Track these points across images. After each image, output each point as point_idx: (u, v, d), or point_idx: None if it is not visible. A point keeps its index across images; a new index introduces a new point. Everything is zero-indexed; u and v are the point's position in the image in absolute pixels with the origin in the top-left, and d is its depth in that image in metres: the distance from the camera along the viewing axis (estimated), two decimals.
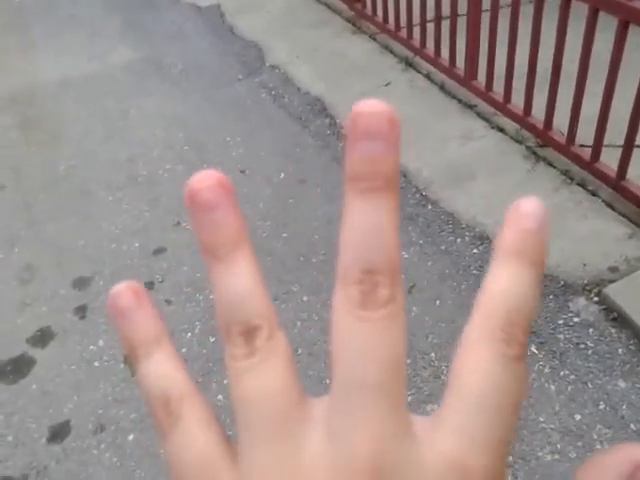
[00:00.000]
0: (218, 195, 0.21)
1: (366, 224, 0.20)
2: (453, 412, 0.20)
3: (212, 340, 2.24)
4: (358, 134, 0.19)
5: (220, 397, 1.97)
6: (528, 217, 0.21)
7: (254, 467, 0.21)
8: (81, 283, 2.55)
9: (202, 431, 0.22)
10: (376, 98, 0.20)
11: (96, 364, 2.21)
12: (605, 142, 2.50)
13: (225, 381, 2.13)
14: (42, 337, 2.34)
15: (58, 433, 2.02)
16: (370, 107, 0.19)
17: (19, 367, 2.25)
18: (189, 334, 2.27)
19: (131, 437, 1.97)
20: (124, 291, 0.23)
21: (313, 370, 2.04)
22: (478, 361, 0.20)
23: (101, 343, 2.28)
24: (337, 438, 0.20)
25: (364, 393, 0.20)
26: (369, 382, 0.20)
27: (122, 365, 2.19)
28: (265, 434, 0.20)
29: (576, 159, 2.65)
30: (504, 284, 0.21)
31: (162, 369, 0.23)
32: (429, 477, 0.20)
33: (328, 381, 0.20)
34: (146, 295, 0.24)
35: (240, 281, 0.21)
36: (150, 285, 2.50)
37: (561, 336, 2.08)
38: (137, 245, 2.70)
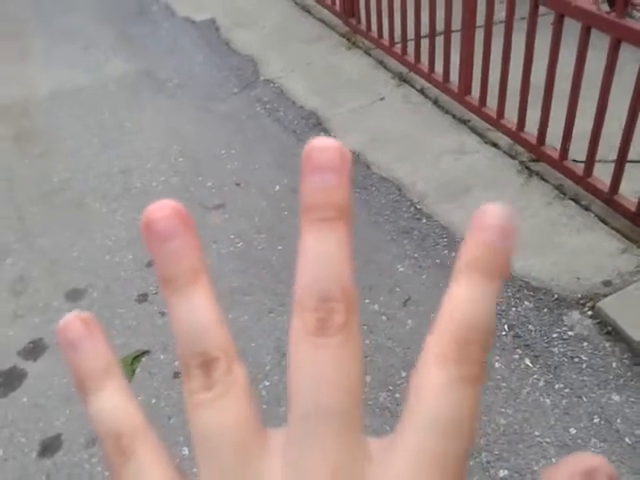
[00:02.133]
0: (175, 225, 0.21)
1: (320, 253, 0.20)
2: (407, 434, 0.20)
3: None
4: (311, 167, 0.20)
5: None
6: (489, 229, 0.20)
7: None
8: (74, 295, 2.53)
9: (156, 468, 0.22)
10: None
11: None
12: (597, 157, 2.53)
13: None
14: (34, 349, 2.32)
15: (49, 447, 1.99)
16: (322, 143, 0.20)
17: (10, 380, 2.22)
18: None
19: None
20: (73, 321, 0.23)
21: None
22: (431, 383, 0.20)
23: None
24: (295, 469, 0.20)
25: (320, 421, 0.20)
26: (324, 409, 0.20)
27: None
28: (224, 468, 0.20)
29: (569, 174, 2.67)
30: (459, 301, 0.20)
31: (113, 403, 0.22)
32: None
33: None
34: (98, 325, 0.23)
35: (198, 313, 0.21)
36: (144, 297, 2.48)
37: (555, 350, 2.08)
38: (131, 257, 2.68)
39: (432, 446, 0.20)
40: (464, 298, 0.20)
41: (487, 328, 0.20)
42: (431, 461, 0.20)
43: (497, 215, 0.20)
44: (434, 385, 0.20)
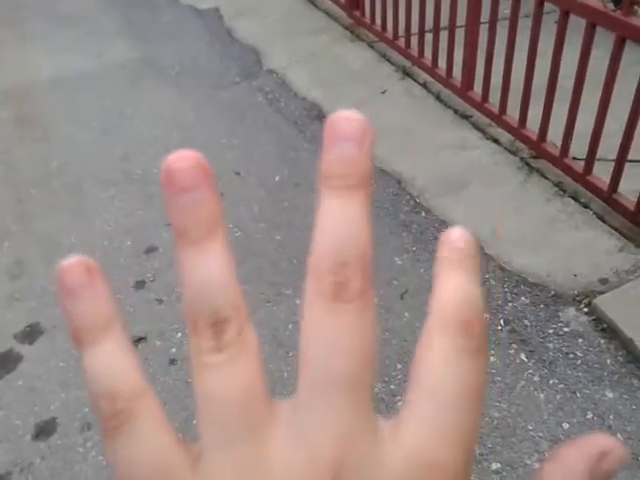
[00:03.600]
0: (196, 177, 0.20)
1: (340, 218, 0.20)
2: (414, 407, 0.20)
3: None
4: (335, 137, 0.20)
5: None
6: (457, 240, 0.22)
7: (217, 468, 0.20)
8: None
9: (156, 433, 0.20)
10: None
11: None
12: (598, 156, 2.53)
13: None
14: (30, 333, 2.32)
15: (44, 430, 1.99)
16: (346, 115, 0.20)
17: (6, 363, 2.22)
18: (179, 334, 2.26)
19: None
20: (74, 266, 0.21)
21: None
22: (436, 354, 0.20)
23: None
24: (301, 438, 0.20)
25: (332, 388, 0.20)
26: (337, 377, 0.19)
27: None
28: (230, 434, 0.20)
29: (569, 171, 2.68)
30: (453, 289, 0.21)
31: (110, 360, 0.20)
32: (393, 475, 0.20)
33: None
34: (100, 273, 0.21)
35: (213, 268, 0.20)
36: (141, 284, 2.48)
37: (550, 345, 2.09)
38: (129, 243, 2.68)
39: (441, 416, 0.20)
40: (455, 286, 0.21)
41: (480, 307, 0.21)
42: (440, 432, 0.20)
43: (459, 232, 0.22)
44: (439, 356, 0.20)
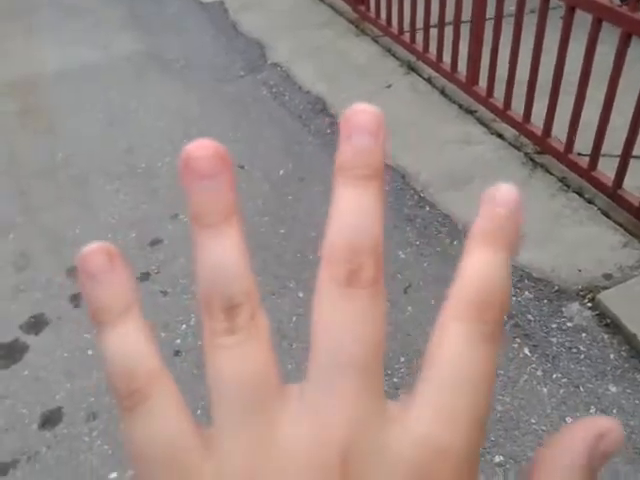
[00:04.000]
0: (215, 165, 0.20)
1: (355, 207, 0.20)
2: (425, 391, 0.20)
3: None
4: (351, 129, 0.21)
5: None
6: (499, 202, 0.21)
7: (228, 450, 0.20)
8: (76, 272, 2.53)
9: (173, 414, 0.21)
10: (370, 102, 0.21)
11: (90, 352, 2.20)
12: (602, 151, 2.53)
13: None
14: (36, 324, 2.33)
15: (50, 419, 2.01)
16: (362, 108, 0.21)
17: (12, 353, 2.24)
18: (184, 325, 2.27)
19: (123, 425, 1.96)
20: (96, 251, 0.21)
21: (307, 364, 2.04)
22: (450, 339, 0.20)
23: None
24: (311, 419, 0.20)
25: (342, 371, 0.20)
26: (350, 360, 0.20)
27: None
28: (242, 416, 0.20)
29: (574, 167, 2.68)
30: (475, 268, 0.21)
31: (129, 341, 0.21)
32: (402, 459, 0.20)
33: None
34: (120, 258, 0.21)
35: (228, 253, 0.21)
36: (146, 276, 2.49)
37: (554, 340, 2.10)
38: (134, 236, 2.69)
39: (452, 400, 0.20)
40: (480, 265, 0.21)
41: (502, 292, 0.21)
42: (451, 415, 0.20)
43: (505, 191, 0.21)
44: (453, 340, 0.20)
